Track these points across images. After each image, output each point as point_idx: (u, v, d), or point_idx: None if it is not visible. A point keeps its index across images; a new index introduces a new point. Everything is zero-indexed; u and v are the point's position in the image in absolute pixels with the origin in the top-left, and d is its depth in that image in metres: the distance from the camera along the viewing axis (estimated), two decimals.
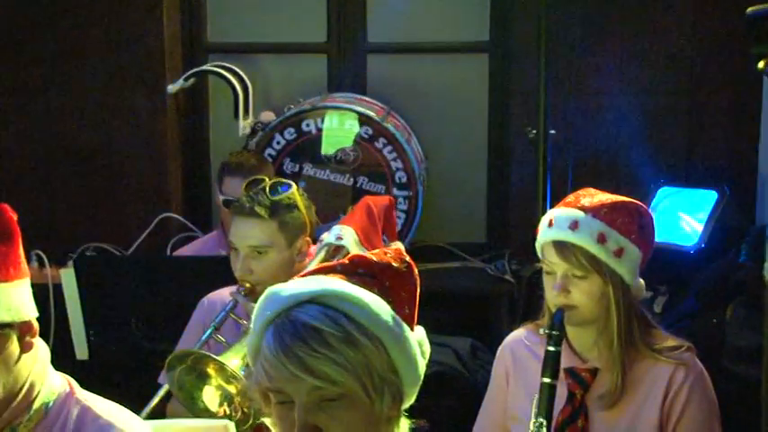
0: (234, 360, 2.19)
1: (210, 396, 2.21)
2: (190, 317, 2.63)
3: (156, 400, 2.30)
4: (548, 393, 2.06)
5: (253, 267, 2.44)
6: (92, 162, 3.89)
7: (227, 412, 2.19)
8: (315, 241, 2.59)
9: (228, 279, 2.57)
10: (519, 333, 2.30)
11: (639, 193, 3.46)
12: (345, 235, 2.53)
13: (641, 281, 2.16)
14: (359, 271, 1.40)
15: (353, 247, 2.52)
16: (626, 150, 3.79)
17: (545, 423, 2.04)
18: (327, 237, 2.55)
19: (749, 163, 3.69)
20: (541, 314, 2.22)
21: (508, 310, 3.70)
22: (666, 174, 3.74)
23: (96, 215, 3.90)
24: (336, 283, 1.37)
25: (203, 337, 2.41)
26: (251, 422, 2.16)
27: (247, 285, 2.44)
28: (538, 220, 2.22)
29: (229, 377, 2.17)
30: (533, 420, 2.05)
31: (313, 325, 1.32)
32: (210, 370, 2.21)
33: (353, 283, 1.38)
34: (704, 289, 3.13)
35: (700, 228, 3.55)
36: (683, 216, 3.61)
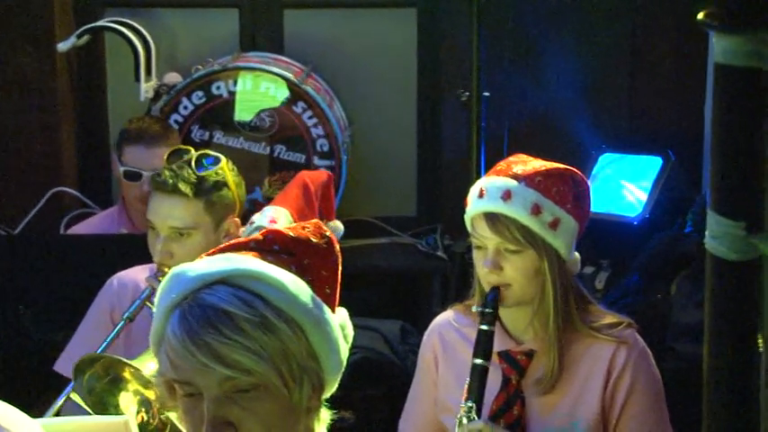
0: (150, 363, 2.15)
1: (127, 402, 2.17)
2: (87, 302, 2.58)
3: (60, 401, 2.25)
4: (479, 375, 2.07)
5: (174, 250, 2.40)
6: None
7: (145, 419, 2.15)
8: (244, 222, 2.56)
9: (132, 260, 2.53)
10: (447, 315, 2.30)
11: (580, 160, 3.51)
12: (279, 217, 2.50)
13: (576, 255, 2.19)
14: (274, 248, 1.39)
15: None
16: (566, 114, 3.83)
17: (474, 407, 2.05)
18: (259, 218, 2.52)
19: (696, 126, 3.77)
20: (471, 293, 2.24)
21: (441, 289, 3.73)
22: (608, 139, 3.80)
23: None
24: (249, 262, 1.35)
25: (114, 331, 2.35)
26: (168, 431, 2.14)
27: (166, 270, 2.36)
28: None
29: (147, 382, 2.13)
30: (462, 405, 2.06)
31: (223, 308, 1.30)
32: (126, 374, 2.16)
33: (268, 261, 1.37)
34: (648, 263, 3.20)
35: (644, 197, 3.62)
36: (626, 184, 3.68)
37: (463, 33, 3.52)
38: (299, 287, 1.35)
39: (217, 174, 2.44)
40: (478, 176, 3.22)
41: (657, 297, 3.09)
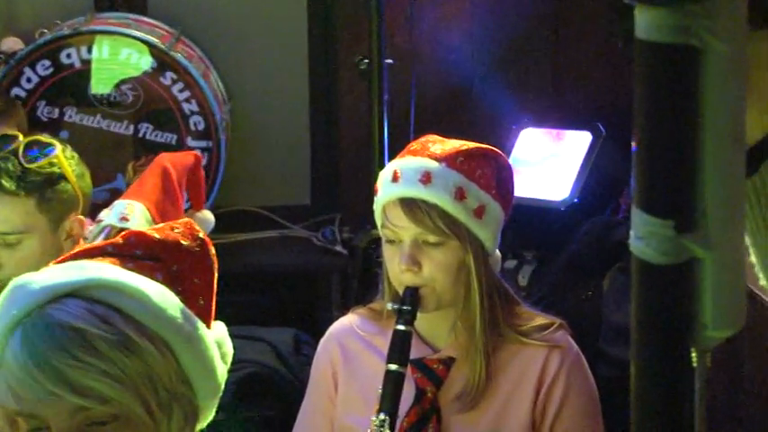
0: None
1: None
2: None
3: None
4: (394, 384, 2.08)
5: (3, 260, 2.36)
6: None
7: None
8: (91, 218, 2.53)
9: None
10: (349, 320, 2.31)
11: (498, 137, 3.56)
12: (132, 213, 2.48)
13: (498, 252, 2.22)
14: (136, 253, 1.39)
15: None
16: (481, 84, 3.88)
17: (388, 420, 2.07)
18: (108, 216, 2.49)
19: (629, 95, 3.84)
20: (379, 295, 2.25)
21: (340, 290, 3.75)
22: (530, 112, 3.86)
23: None
24: (106, 270, 1.35)
25: None
26: None
27: None
28: (374, 176, 2.23)
29: None
30: (374, 418, 2.07)
31: (74, 325, 1.29)
32: None
33: (129, 268, 1.36)
34: (577, 254, 3.27)
35: (572, 178, 3.68)
36: (551, 164, 3.74)
37: None
38: (166, 299, 1.35)
39: (51, 164, 2.40)
40: (381, 158, 3.25)
41: (588, 294, 3.16)
